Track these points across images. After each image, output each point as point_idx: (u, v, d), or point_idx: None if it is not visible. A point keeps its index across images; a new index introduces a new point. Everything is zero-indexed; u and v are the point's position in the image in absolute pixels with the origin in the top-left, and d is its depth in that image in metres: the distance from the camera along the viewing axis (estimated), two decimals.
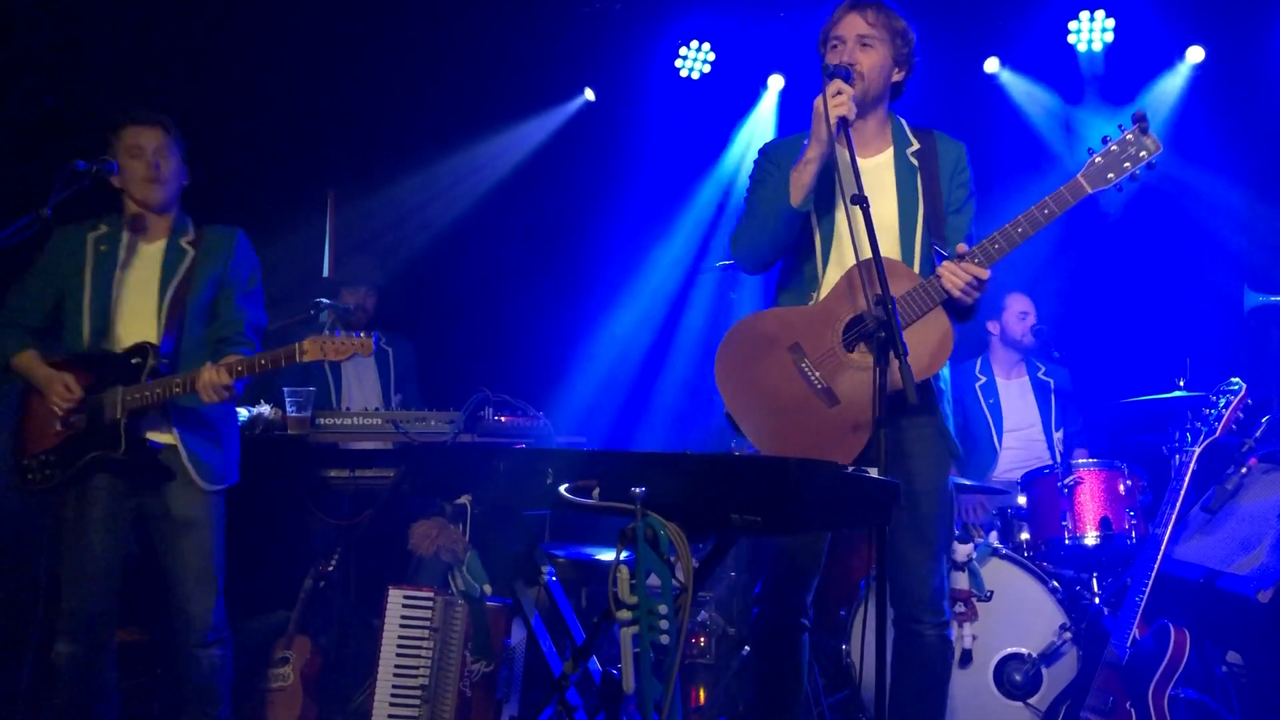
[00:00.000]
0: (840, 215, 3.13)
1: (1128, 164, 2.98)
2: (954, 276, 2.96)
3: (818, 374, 3.06)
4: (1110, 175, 2.98)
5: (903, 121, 3.27)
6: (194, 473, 3.57)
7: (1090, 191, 2.99)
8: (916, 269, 3.11)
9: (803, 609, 3.19)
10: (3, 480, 3.69)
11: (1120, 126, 3.00)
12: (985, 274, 2.97)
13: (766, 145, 3.35)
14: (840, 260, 3.14)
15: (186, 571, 3.57)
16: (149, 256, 3.69)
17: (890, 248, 3.10)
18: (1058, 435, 5.30)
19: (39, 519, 3.71)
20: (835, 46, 3.14)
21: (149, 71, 5.48)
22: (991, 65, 6.32)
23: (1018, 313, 5.38)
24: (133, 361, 3.54)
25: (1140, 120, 2.98)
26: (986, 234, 3.01)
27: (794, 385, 3.07)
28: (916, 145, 3.21)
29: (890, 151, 3.21)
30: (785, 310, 3.19)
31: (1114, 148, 2.99)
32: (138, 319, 3.62)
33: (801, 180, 3.05)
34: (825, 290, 3.13)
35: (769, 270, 3.32)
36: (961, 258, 2.97)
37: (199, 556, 3.58)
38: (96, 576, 3.50)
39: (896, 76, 3.21)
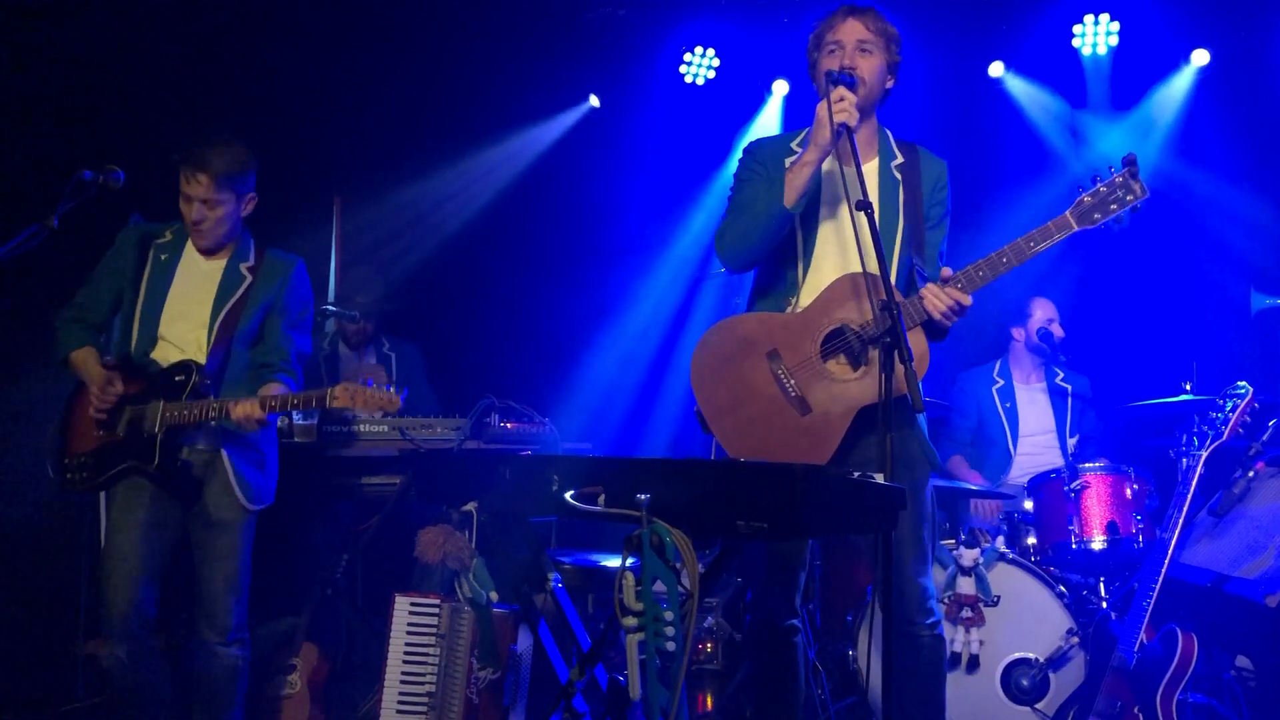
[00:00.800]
0: (825, 223, 3.16)
1: (1114, 206, 3.04)
2: (936, 300, 3.01)
3: (792, 382, 3.08)
4: (1096, 216, 3.04)
5: (888, 133, 3.29)
6: (236, 486, 3.62)
7: (1077, 230, 3.04)
8: (894, 281, 3.12)
9: (792, 609, 3.21)
10: (45, 482, 3.73)
11: (1110, 168, 3.04)
12: (967, 300, 3.02)
13: (752, 144, 3.36)
14: (820, 268, 3.15)
15: (216, 570, 3.61)
16: (206, 275, 3.72)
17: (869, 259, 3.09)
18: (1072, 441, 5.29)
19: (81, 517, 3.74)
20: (833, 51, 3.15)
21: (155, 77, 5.50)
22: (996, 69, 6.32)
23: (1045, 320, 5.37)
24: (177, 379, 3.58)
25: (1130, 164, 3.03)
26: (981, 246, 3.04)
27: (768, 390, 3.09)
28: (900, 159, 3.24)
29: (875, 163, 3.23)
30: (766, 315, 3.20)
31: (1102, 189, 3.04)
32: (186, 335, 3.66)
33: (796, 182, 3.06)
34: (804, 297, 3.14)
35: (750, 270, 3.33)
36: (946, 282, 3.01)
37: (230, 559, 3.62)
38: (136, 578, 3.52)
39: (888, 84, 3.23)
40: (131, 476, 3.56)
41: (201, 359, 3.61)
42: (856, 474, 2.40)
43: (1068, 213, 3.04)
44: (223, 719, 3.64)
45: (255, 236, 3.86)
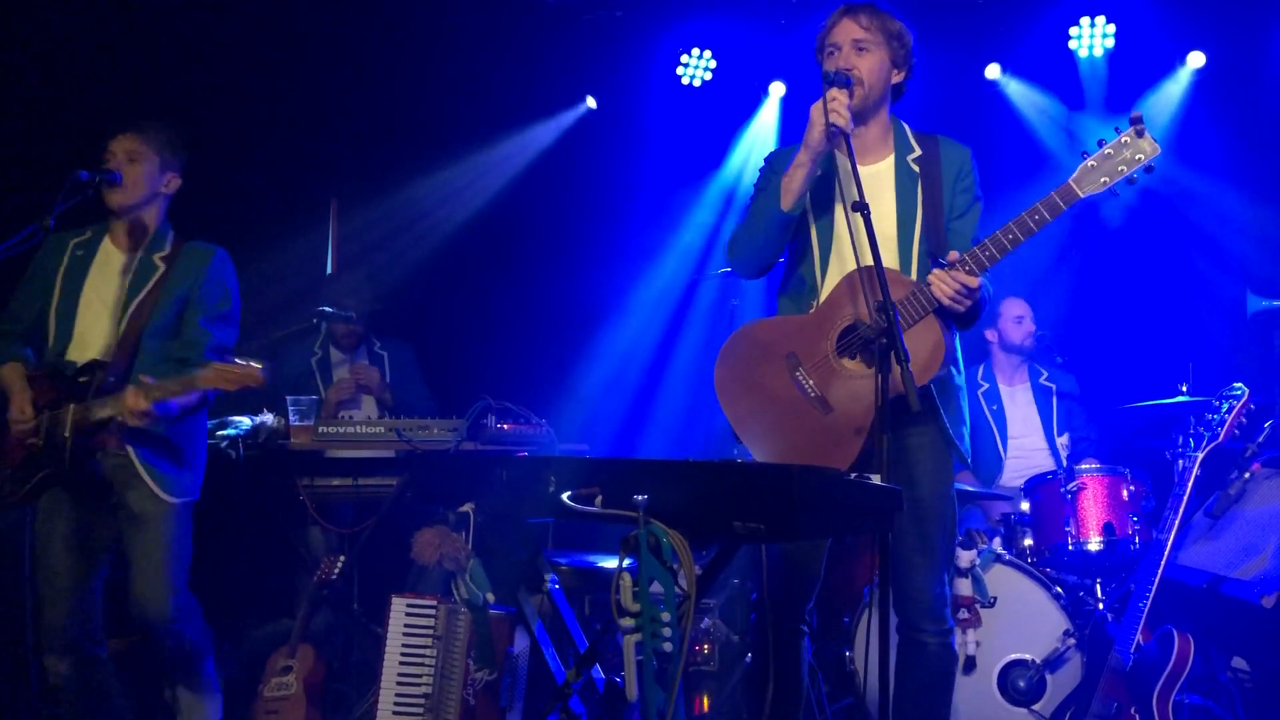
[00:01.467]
0: (839, 222, 3.13)
1: (1123, 167, 2.89)
2: (943, 285, 2.93)
3: (811, 382, 3.07)
4: (1104, 179, 2.90)
5: (905, 126, 3.25)
6: (149, 479, 3.54)
7: (1082, 195, 2.91)
8: (914, 277, 3.10)
9: (802, 616, 3.20)
10: None
11: (1116, 129, 2.93)
12: (975, 282, 2.92)
13: (771, 154, 3.36)
14: (840, 266, 3.14)
15: (144, 561, 3.52)
16: (118, 268, 3.64)
17: (888, 256, 3.07)
18: (1062, 440, 5.29)
19: (24, 528, 3.71)
20: (831, 53, 3.14)
21: (152, 79, 5.50)
22: (993, 71, 6.33)
23: (1013, 318, 5.38)
24: (80, 380, 3.51)
25: (1137, 122, 2.90)
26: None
27: (788, 393, 3.08)
28: (919, 151, 3.19)
29: (891, 159, 3.20)
30: (781, 319, 3.21)
31: (1109, 150, 2.91)
32: (96, 332, 3.59)
33: (791, 185, 3.06)
34: (824, 297, 3.14)
35: (767, 275, 3.33)
36: (952, 265, 2.95)
37: (155, 549, 3.52)
38: (68, 591, 3.50)
39: (896, 78, 3.20)
40: (52, 486, 3.52)
41: (109, 355, 3.53)
42: (853, 475, 2.40)
43: (1071, 180, 2.92)
44: (195, 671, 3.63)
45: (252, 237, 3.85)
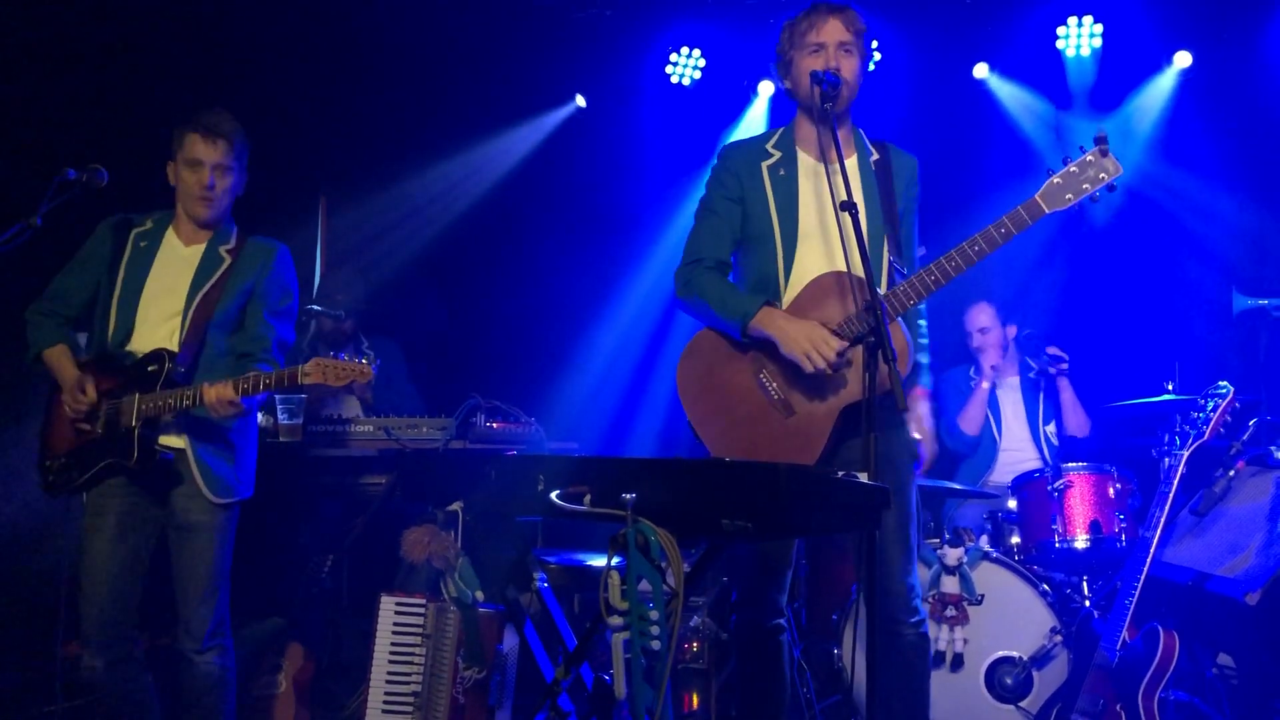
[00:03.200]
0: (805, 220, 3.16)
1: (1086, 185, 3.00)
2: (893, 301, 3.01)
3: (775, 384, 3.11)
4: (1068, 196, 3.00)
5: (861, 132, 3.32)
6: (201, 482, 3.49)
7: (1048, 212, 3.00)
8: (884, 275, 3.14)
9: (778, 609, 3.22)
10: (30, 481, 3.66)
11: (1080, 147, 3.02)
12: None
13: (728, 146, 3.37)
14: (803, 269, 3.16)
15: (187, 576, 3.49)
16: (184, 260, 3.61)
17: (853, 259, 3.10)
18: (1049, 429, 5.30)
19: (66, 522, 3.69)
20: (816, 51, 3.15)
21: (139, 77, 5.49)
22: (980, 70, 6.35)
23: (977, 329, 5.42)
24: (149, 369, 3.46)
25: (1101, 142, 2.99)
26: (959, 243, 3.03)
27: (752, 396, 3.12)
28: (876, 155, 3.26)
29: (856, 159, 3.25)
30: None
31: (1073, 169, 3.01)
32: (161, 322, 3.54)
33: (763, 333, 3.06)
34: (789, 295, 3.16)
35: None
36: (907, 277, 3.01)
37: (200, 563, 3.49)
38: (110, 586, 3.44)
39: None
40: (112, 477, 3.46)
41: (175, 346, 3.49)
42: (841, 473, 2.41)
43: (1037, 196, 3.01)
44: None
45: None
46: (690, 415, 3.16)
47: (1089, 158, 3.00)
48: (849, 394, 3.03)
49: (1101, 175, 2.99)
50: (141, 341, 3.53)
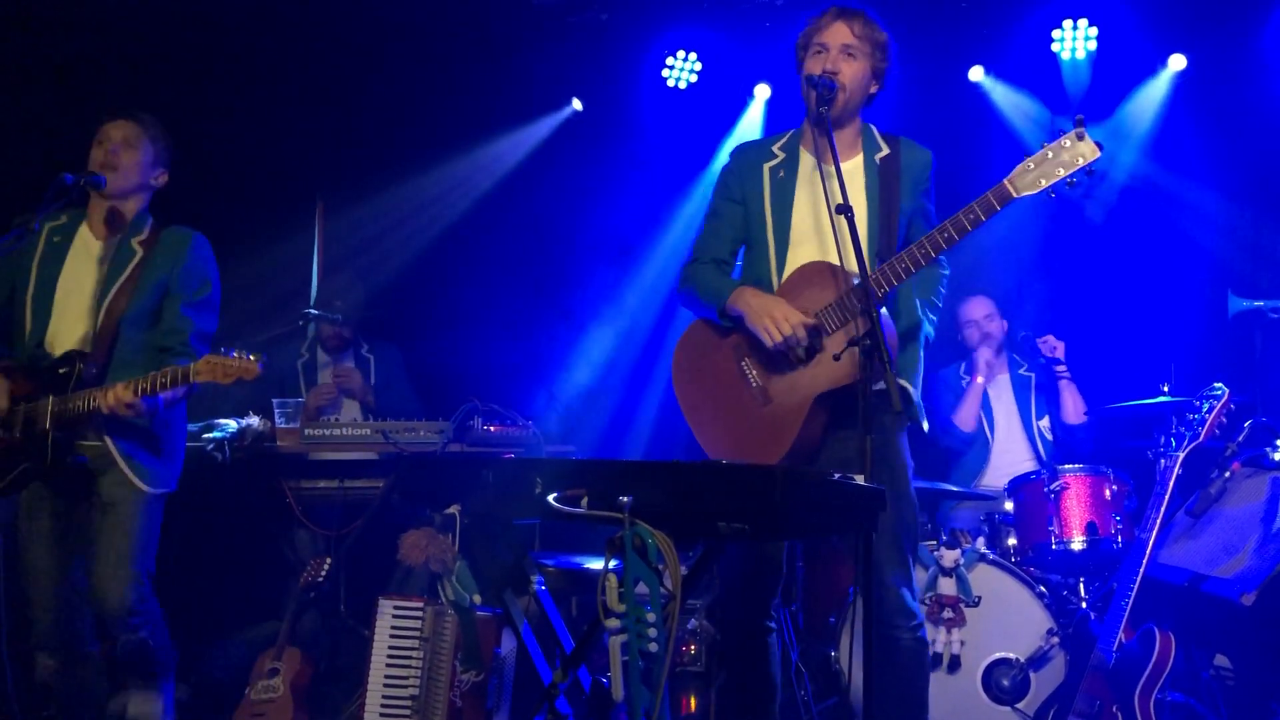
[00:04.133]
0: (799, 221, 3.17)
1: (1061, 170, 2.89)
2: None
3: (754, 373, 3.14)
4: (1042, 181, 2.90)
5: (873, 128, 3.30)
6: (126, 468, 3.46)
7: (1017, 196, 2.92)
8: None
9: (768, 611, 3.22)
10: None
11: (1060, 130, 2.93)
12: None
13: (736, 149, 3.40)
14: (794, 267, 3.16)
15: (105, 551, 3.43)
16: (96, 255, 3.56)
17: (865, 250, 3.11)
18: (1043, 424, 5.30)
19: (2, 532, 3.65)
20: (819, 53, 3.16)
21: (139, 78, 5.49)
22: (976, 73, 6.36)
23: (965, 321, 5.41)
24: (60, 371, 3.44)
25: (1079, 124, 2.90)
26: (959, 248, 3.03)
27: (735, 384, 3.15)
28: (885, 150, 3.24)
29: (860, 158, 3.24)
30: None
31: (1049, 152, 2.91)
32: (74, 320, 3.51)
33: (735, 308, 3.11)
34: (778, 290, 3.16)
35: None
36: (891, 261, 2.99)
37: (120, 536, 3.43)
38: (54, 590, 3.44)
39: (872, 89, 3.25)
40: (31, 481, 3.44)
41: (88, 345, 3.46)
42: (837, 475, 2.42)
43: (1007, 180, 2.93)
44: (150, 684, 3.49)
45: (239, 238, 3.82)
46: (681, 401, 3.22)
47: (1065, 141, 2.90)
48: (819, 382, 3.01)
49: (1079, 159, 2.88)
50: (57, 340, 3.51)
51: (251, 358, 3.37)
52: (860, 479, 2.49)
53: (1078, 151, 2.90)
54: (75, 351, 3.46)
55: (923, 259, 2.96)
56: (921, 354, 3.24)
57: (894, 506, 3.10)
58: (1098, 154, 2.89)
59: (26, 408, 3.44)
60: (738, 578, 3.22)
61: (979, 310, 5.40)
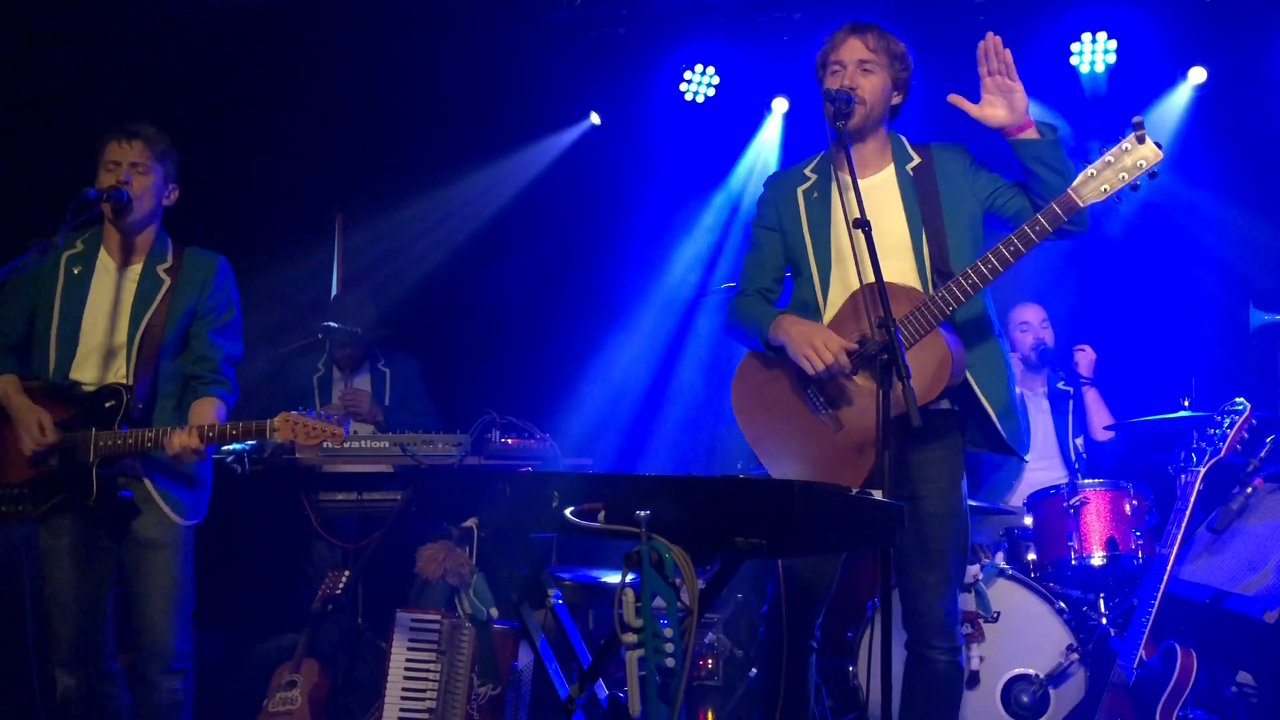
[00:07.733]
0: (839, 238, 3.15)
1: (1124, 174, 2.85)
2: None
3: (822, 399, 3.10)
4: (1105, 187, 2.86)
5: (903, 139, 3.28)
6: (164, 505, 3.45)
7: (1083, 205, 2.88)
8: (930, 286, 3.08)
9: (811, 630, 3.19)
10: None
11: (1120, 136, 2.89)
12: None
13: (770, 177, 3.41)
14: (842, 284, 3.15)
15: (153, 591, 3.42)
16: (122, 284, 3.53)
17: (904, 265, 3.09)
18: (1079, 442, 5.25)
19: (21, 548, 3.65)
20: (835, 71, 3.15)
21: (157, 94, 5.52)
22: None
23: (1018, 324, 5.36)
24: (107, 405, 3.40)
25: (1138, 127, 2.85)
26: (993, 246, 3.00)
27: (801, 411, 3.11)
28: (917, 160, 3.22)
29: (890, 169, 3.22)
30: None
31: (1109, 157, 2.87)
32: (108, 353, 3.47)
33: (778, 339, 3.10)
34: (828, 314, 3.15)
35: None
36: (957, 278, 2.95)
37: (165, 576, 3.43)
38: (76, 607, 3.42)
39: (895, 100, 3.23)
40: (69, 512, 3.40)
41: (127, 378, 3.44)
42: (855, 490, 2.41)
43: (1070, 189, 2.89)
44: None
45: (257, 253, 3.81)
46: (746, 434, 3.19)
47: (1125, 145, 2.86)
48: (894, 406, 2.94)
49: (1140, 163, 2.84)
50: (87, 373, 3.47)
51: (334, 419, 3.42)
52: (878, 494, 2.48)
53: (1139, 155, 2.85)
54: (121, 386, 3.42)
55: (989, 273, 2.92)
56: (1006, 369, 3.16)
57: (940, 524, 3.09)
58: (1160, 156, 2.84)
59: (65, 437, 3.41)
60: (788, 596, 3.15)
61: (1035, 314, 5.34)
